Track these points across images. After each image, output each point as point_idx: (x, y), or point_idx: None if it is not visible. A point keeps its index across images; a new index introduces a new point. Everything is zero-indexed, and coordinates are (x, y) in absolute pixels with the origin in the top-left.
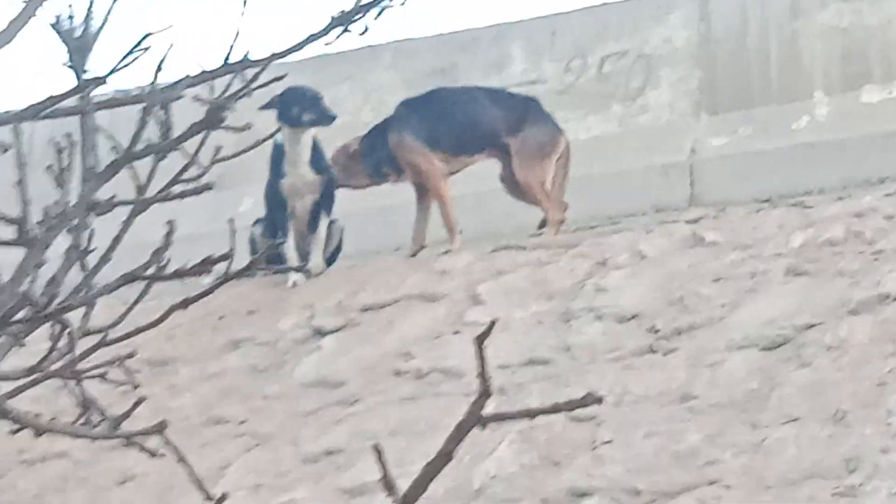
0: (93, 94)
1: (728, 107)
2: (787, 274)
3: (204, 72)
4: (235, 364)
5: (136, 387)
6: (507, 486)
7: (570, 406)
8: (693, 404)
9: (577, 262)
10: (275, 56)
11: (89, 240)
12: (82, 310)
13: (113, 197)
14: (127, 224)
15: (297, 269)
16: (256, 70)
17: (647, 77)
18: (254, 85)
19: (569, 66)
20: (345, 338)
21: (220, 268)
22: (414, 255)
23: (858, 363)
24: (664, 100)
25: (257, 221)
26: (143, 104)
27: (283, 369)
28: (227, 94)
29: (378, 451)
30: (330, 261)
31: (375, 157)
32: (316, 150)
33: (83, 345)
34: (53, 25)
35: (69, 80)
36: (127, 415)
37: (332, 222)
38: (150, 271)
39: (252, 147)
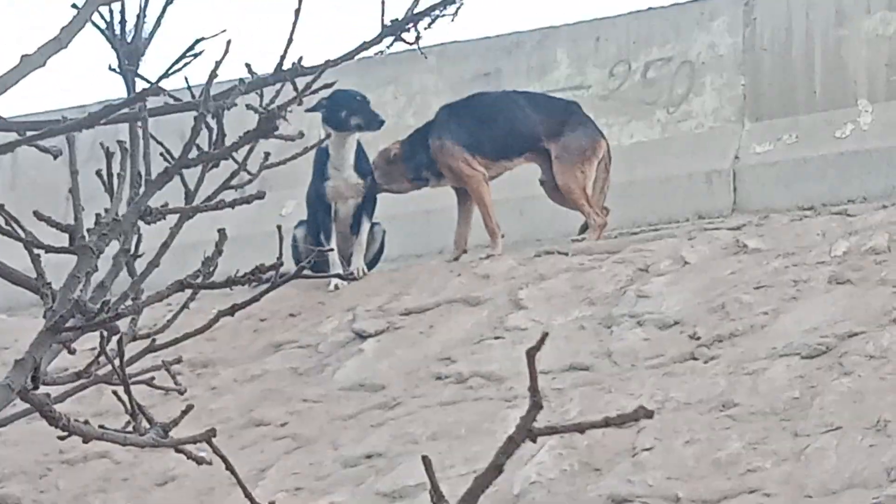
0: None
1: (772, 114)
2: (829, 282)
3: (257, 79)
4: (276, 367)
5: (182, 392)
6: (547, 491)
7: (621, 420)
8: (734, 412)
9: (619, 268)
10: (328, 64)
11: (137, 245)
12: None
13: (165, 204)
14: (175, 230)
15: (343, 277)
16: (309, 79)
17: (691, 83)
18: (306, 92)
19: (613, 72)
20: (386, 341)
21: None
22: (455, 259)
23: None
24: (708, 106)
25: (300, 224)
26: (196, 112)
27: (324, 372)
28: (279, 101)
29: (426, 463)
30: (372, 264)
31: (416, 162)
32: (360, 153)
33: (130, 349)
34: (104, 31)
35: (115, 83)
36: (176, 422)
37: (374, 225)
38: (200, 279)
39: (301, 154)
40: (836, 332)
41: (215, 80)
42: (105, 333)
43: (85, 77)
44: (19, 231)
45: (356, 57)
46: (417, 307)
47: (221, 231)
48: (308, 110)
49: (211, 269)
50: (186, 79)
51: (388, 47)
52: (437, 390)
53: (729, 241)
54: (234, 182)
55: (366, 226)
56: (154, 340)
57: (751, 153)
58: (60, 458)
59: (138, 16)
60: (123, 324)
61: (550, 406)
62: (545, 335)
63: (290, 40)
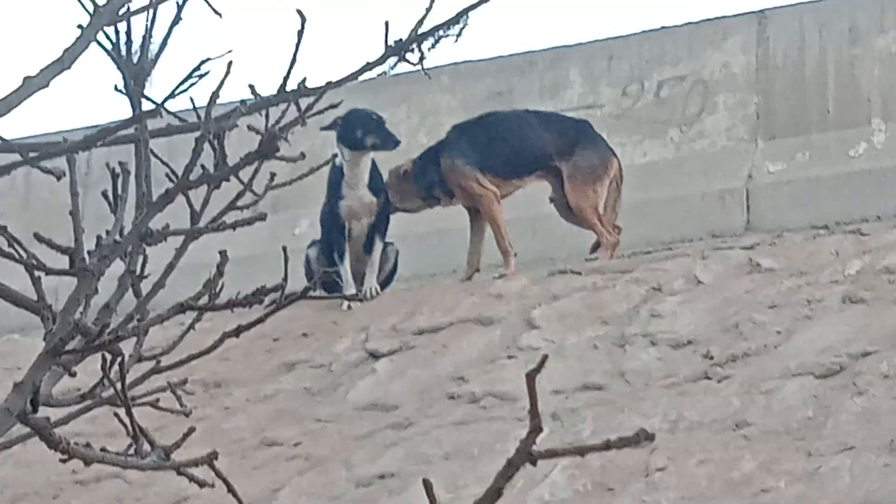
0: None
1: (785, 133)
2: (843, 301)
3: (259, 99)
4: (289, 386)
5: (188, 414)
6: None
7: (621, 443)
8: (747, 431)
9: (633, 288)
10: (330, 85)
11: (142, 266)
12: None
13: (167, 226)
14: (180, 252)
15: (351, 298)
16: (311, 99)
17: (705, 102)
18: (309, 112)
19: (626, 91)
20: (399, 361)
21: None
22: (468, 278)
23: None
24: (721, 125)
25: (313, 243)
26: (198, 133)
27: (336, 392)
28: (282, 122)
29: (428, 486)
30: (385, 283)
31: (427, 181)
32: (374, 172)
33: (137, 370)
34: (109, 52)
35: (123, 104)
36: (178, 444)
37: (387, 245)
38: (203, 300)
39: (307, 174)
40: (850, 352)
41: (220, 101)
42: (107, 355)
43: (95, 98)
44: (21, 253)
45: (359, 78)
46: (430, 327)
47: (223, 253)
48: (323, 129)
49: (217, 290)
50: (192, 100)
51: (391, 68)
52: (450, 410)
53: (742, 260)
54: (240, 203)
55: (379, 245)
56: (159, 362)
57: (764, 172)
58: (73, 478)
59: (144, 36)
60: (129, 346)
61: (563, 426)
62: (545, 358)
63: (293, 61)
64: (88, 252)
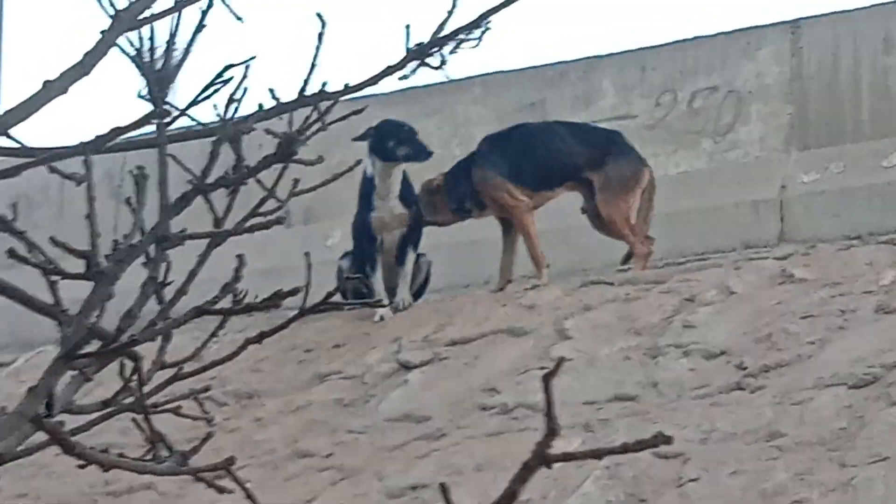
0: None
1: (819, 143)
2: (876, 311)
3: (278, 104)
4: (321, 398)
5: (210, 421)
6: None
7: (639, 447)
8: (781, 442)
9: (665, 298)
10: (349, 89)
11: (166, 273)
12: (157, 343)
13: (184, 230)
14: (203, 258)
15: (376, 305)
16: (331, 103)
17: (738, 112)
18: (331, 118)
19: (659, 101)
20: (431, 372)
21: (299, 302)
22: (501, 289)
23: None
24: (754, 135)
25: (345, 255)
26: (215, 137)
27: (368, 403)
28: (306, 128)
29: (444, 490)
30: (417, 295)
31: (459, 193)
32: (406, 183)
33: (160, 378)
34: (133, 58)
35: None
36: (196, 450)
37: (419, 256)
38: (222, 305)
39: (330, 180)
40: (884, 362)
41: (240, 106)
42: (126, 362)
43: (118, 107)
44: (39, 257)
45: (379, 82)
46: (462, 338)
47: (241, 257)
48: (355, 139)
49: (239, 296)
50: (215, 106)
51: (412, 72)
52: (482, 421)
53: (775, 270)
54: (263, 209)
55: (411, 256)
56: (181, 368)
57: (798, 182)
58: (105, 489)
59: (168, 42)
60: (152, 354)
61: (596, 437)
62: (561, 360)
63: (312, 65)
64: (105, 256)
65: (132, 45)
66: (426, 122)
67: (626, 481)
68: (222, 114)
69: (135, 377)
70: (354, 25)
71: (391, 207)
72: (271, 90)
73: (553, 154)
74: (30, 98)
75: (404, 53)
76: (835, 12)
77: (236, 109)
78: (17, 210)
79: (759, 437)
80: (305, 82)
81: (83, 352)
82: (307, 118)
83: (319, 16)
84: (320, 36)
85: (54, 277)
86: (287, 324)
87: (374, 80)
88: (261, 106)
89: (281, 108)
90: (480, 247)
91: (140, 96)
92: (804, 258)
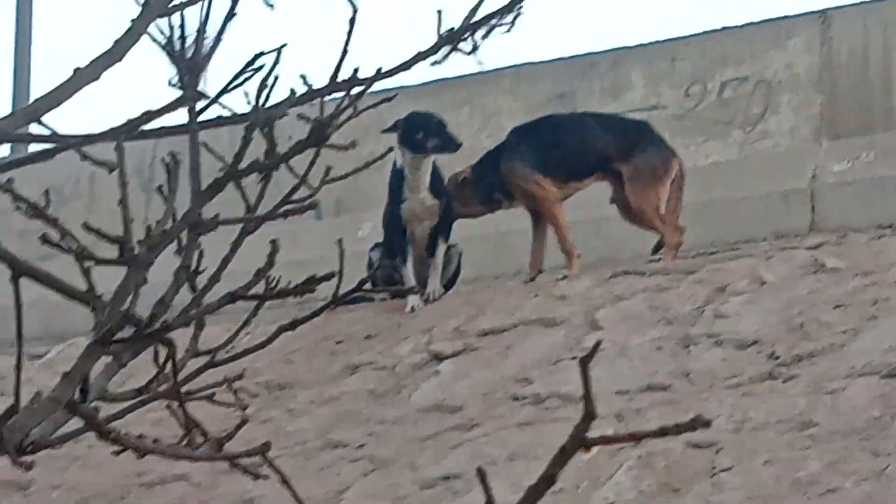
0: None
1: (849, 132)
2: None
3: (310, 90)
4: (353, 388)
5: (244, 409)
6: None
7: (678, 430)
8: (813, 432)
9: (697, 288)
10: (381, 74)
11: (199, 261)
12: (191, 332)
13: (217, 216)
14: (236, 245)
15: (407, 292)
16: (361, 89)
17: (768, 102)
18: (363, 106)
19: (688, 92)
20: (463, 362)
21: (330, 293)
22: (531, 279)
23: None
24: (785, 125)
25: (375, 246)
26: (247, 123)
27: (400, 394)
28: (338, 114)
29: (482, 475)
30: (448, 285)
31: (487, 185)
32: (435, 174)
33: (194, 366)
34: (164, 46)
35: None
36: (230, 436)
37: (450, 247)
38: (255, 291)
39: (361, 168)
40: None
41: (271, 93)
42: (159, 348)
43: (150, 96)
44: (71, 245)
45: (411, 67)
46: (494, 328)
47: (274, 242)
48: (384, 131)
49: (272, 284)
50: (247, 93)
51: (444, 57)
52: (514, 411)
53: (807, 260)
54: (296, 196)
55: (442, 247)
56: (214, 356)
57: (828, 172)
58: (139, 480)
59: (199, 30)
60: (186, 342)
61: (628, 426)
62: (598, 343)
63: (344, 51)
64: (138, 241)
65: (163, 33)
66: (456, 113)
67: (658, 471)
68: (254, 101)
69: (169, 364)
70: (386, 12)
71: (422, 199)
72: (303, 76)
73: (581, 145)
74: (60, 86)
75: (436, 39)
76: (864, 2)
77: (268, 96)
78: (49, 197)
79: (791, 427)
80: (337, 68)
81: (117, 337)
82: (339, 104)
83: (351, 2)
84: (352, 21)
85: (88, 263)
86: (320, 311)
87: (406, 66)
88: (293, 92)
89: (313, 94)
90: (511, 238)
91: (171, 84)
92: (835, 248)
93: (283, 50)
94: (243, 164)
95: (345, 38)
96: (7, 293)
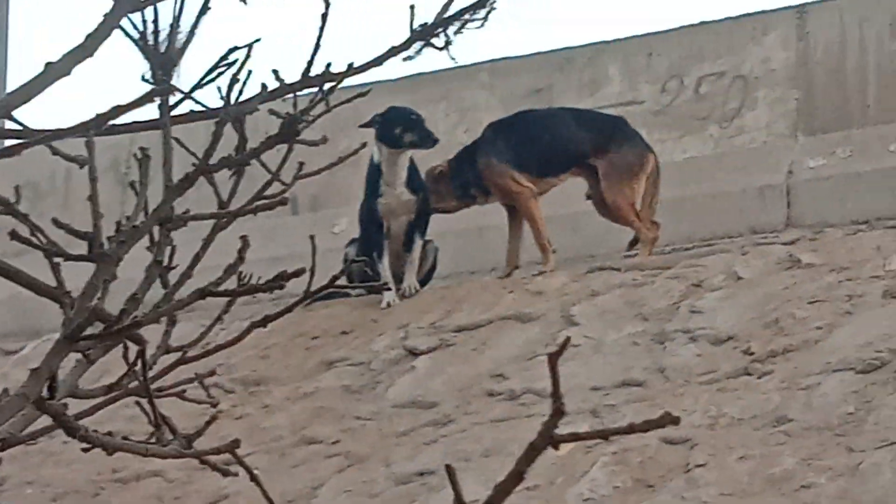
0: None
1: (826, 128)
2: (884, 296)
3: (282, 85)
4: (328, 384)
5: (215, 405)
6: None
7: (648, 426)
8: (788, 427)
9: (672, 284)
10: (353, 69)
11: (171, 257)
12: (163, 329)
13: (187, 211)
14: (208, 240)
15: (382, 288)
16: (333, 84)
17: (744, 98)
18: (338, 101)
19: (665, 87)
20: (438, 358)
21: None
22: (507, 275)
23: None
24: (761, 121)
25: (352, 241)
26: (218, 118)
27: (376, 390)
28: (309, 109)
29: (450, 472)
30: (424, 281)
31: (463, 180)
32: (412, 170)
33: (165, 362)
34: (136, 41)
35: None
36: (199, 433)
37: (426, 243)
38: (226, 287)
39: (335, 164)
40: (891, 347)
41: (244, 88)
42: (130, 346)
43: (122, 91)
44: (41, 239)
45: (384, 62)
46: (469, 324)
47: (244, 238)
48: (361, 126)
49: (243, 279)
50: (219, 88)
51: (417, 53)
52: (490, 407)
53: (782, 255)
54: (268, 192)
55: (418, 243)
56: (185, 353)
57: (804, 168)
58: (113, 477)
59: (172, 25)
60: (156, 337)
61: (603, 422)
62: (567, 340)
63: (316, 46)
64: (108, 238)
65: (135, 27)
66: (433, 109)
67: (633, 467)
68: (226, 96)
69: (139, 361)
70: (359, 7)
71: (398, 194)
72: (275, 72)
73: (557, 140)
74: (32, 80)
75: (409, 34)
76: None
77: (240, 92)
78: (19, 193)
79: (766, 423)
80: (309, 63)
81: (86, 334)
82: (312, 99)
83: None
84: (324, 17)
85: (57, 259)
86: (293, 307)
87: (378, 62)
88: (265, 86)
89: (285, 89)
90: (487, 233)
91: (144, 79)
92: (811, 243)
93: (257, 45)
94: (216, 160)
95: (317, 33)
96: None
